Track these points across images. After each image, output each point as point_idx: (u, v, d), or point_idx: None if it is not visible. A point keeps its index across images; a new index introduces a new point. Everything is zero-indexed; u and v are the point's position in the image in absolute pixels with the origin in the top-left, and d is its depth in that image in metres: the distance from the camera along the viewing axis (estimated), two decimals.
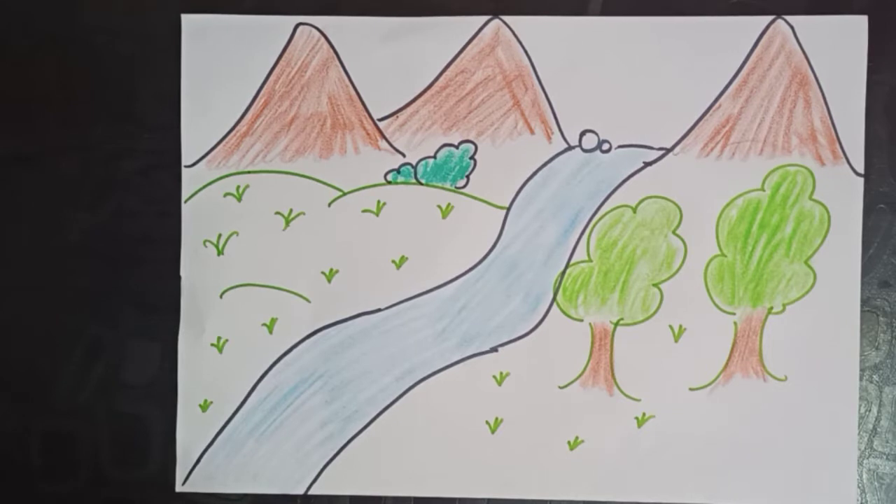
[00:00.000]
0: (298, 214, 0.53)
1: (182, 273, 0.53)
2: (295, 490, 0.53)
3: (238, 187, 0.53)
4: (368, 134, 0.53)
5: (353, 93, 0.52)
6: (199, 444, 0.53)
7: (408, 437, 0.52)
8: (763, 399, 0.52)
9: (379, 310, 0.53)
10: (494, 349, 0.52)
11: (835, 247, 0.52)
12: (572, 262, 0.52)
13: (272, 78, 0.53)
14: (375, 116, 0.53)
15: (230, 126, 0.53)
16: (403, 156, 0.53)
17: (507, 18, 0.52)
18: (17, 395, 0.53)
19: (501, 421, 0.52)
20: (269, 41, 0.52)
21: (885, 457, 0.52)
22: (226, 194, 0.53)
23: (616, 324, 0.52)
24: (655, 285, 0.52)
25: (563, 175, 0.52)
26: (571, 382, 0.52)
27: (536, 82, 0.52)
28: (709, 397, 0.52)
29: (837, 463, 0.52)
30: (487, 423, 0.52)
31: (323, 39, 0.52)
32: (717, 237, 0.52)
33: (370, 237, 0.52)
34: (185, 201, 0.53)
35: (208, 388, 0.53)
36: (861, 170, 0.52)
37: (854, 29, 0.51)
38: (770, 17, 0.52)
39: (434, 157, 0.53)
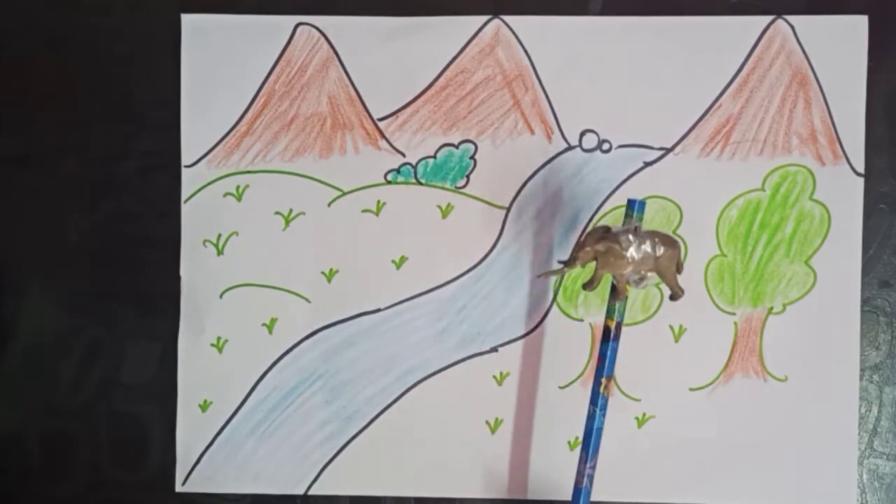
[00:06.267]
0: (298, 214, 0.53)
1: (182, 273, 0.53)
2: (295, 490, 0.53)
3: (238, 187, 0.53)
4: (368, 134, 0.53)
5: (353, 93, 0.52)
6: (199, 444, 0.53)
7: (408, 436, 0.52)
8: (763, 399, 0.52)
9: (379, 310, 0.53)
10: (494, 349, 0.52)
11: (835, 247, 0.52)
12: None
13: (272, 78, 0.53)
14: (375, 116, 0.52)
15: (230, 126, 0.53)
16: (403, 156, 0.53)
17: (507, 18, 0.52)
18: (16, 395, 0.53)
19: (501, 421, 0.52)
20: (269, 41, 0.52)
21: (885, 457, 0.52)
22: (226, 194, 0.53)
23: None
24: (655, 285, 0.52)
25: (563, 175, 0.52)
26: (571, 382, 0.52)
27: (536, 82, 0.52)
28: (709, 397, 0.52)
29: (837, 463, 0.52)
30: (487, 423, 0.52)
31: (323, 39, 0.52)
32: (718, 237, 0.52)
33: (370, 237, 0.52)
34: (185, 201, 0.53)
35: (208, 388, 0.53)
36: (861, 170, 0.52)
37: (854, 29, 0.51)
38: (770, 17, 0.52)
39: (434, 156, 0.52)
